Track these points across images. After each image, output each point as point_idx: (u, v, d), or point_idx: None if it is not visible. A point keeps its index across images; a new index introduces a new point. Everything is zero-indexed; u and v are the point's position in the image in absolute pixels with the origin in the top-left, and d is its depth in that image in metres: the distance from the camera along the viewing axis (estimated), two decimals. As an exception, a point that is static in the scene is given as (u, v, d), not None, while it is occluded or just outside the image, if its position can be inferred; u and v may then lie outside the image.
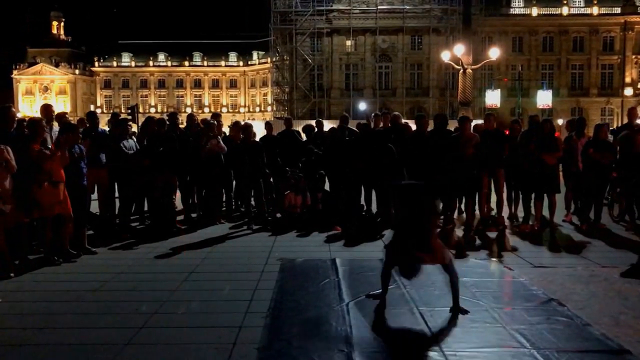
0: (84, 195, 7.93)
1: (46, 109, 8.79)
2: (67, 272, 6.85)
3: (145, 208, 10.28)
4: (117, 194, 9.84)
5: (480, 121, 12.12)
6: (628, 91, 58.50)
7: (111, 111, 61.95)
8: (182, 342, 4.66)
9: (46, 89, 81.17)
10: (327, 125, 12.42)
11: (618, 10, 58.86)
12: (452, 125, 10.47)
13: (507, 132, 10.56)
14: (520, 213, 10.21)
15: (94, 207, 9.61)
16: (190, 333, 4.84)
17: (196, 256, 7.69)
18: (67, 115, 10.52)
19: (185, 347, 4.54)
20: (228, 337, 4.61)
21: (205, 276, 6.76)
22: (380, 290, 5.52)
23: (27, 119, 8.68)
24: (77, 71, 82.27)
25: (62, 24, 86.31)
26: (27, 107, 75.68)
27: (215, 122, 10.50)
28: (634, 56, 58.96)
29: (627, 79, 59.04)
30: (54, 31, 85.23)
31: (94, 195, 9.46)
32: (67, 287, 6.18)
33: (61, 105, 72.77)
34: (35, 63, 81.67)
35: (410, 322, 5.07)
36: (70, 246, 7.40)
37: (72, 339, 4.69)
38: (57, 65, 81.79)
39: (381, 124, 10.88)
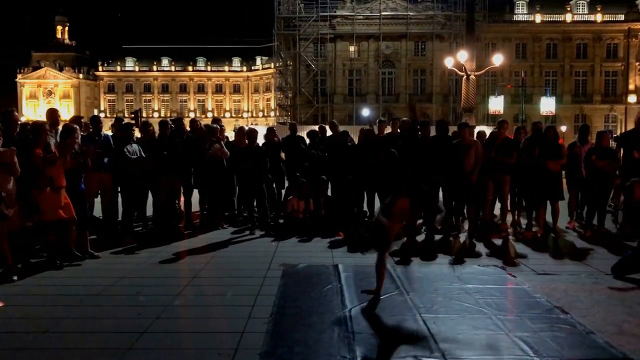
0: (82, 198, 7.92)
1: (52, 113, 8.82)
2: (70, 276, 6.86)
3: (148, 213, 10.28)
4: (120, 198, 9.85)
5: (483, 127, 12.11)
6: (632, 98, 58.39)
7: (114, 115, 62.37)
8: (185, 347, 4.67)
9: (50, 93, 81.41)
10: (330, 131, 12.43)
11: (622, 17, 58.84)
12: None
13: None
14: (524, 220, 10.20)
15: (97, 211, 9.63)
16: (193, 338, 4.84)
17: (199, 261, 7.70)
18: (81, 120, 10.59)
19: (188, 352, 4.55)
20: (230, 343, 4.60)
21: (207, 281, 6.77)
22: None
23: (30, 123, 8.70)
24: (81, 75, 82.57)
25: (67, 28, 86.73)
26: (30, 112, 75.93)
27: (218, 127, 10.54)
28: (637, 63, 58.85)
29: (631, 86, 58.93)
30: (59, 35, 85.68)
31: (97, 199, 9.48)
32: (69, 291, 6.18)
33: (65, 109, 72.96)
34: (40, 67, 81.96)
35: (413, 328, 5.06)
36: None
37: (74, 343, 4.70)
38: (61, 70, 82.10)
39: (390, 130, 10.93)
